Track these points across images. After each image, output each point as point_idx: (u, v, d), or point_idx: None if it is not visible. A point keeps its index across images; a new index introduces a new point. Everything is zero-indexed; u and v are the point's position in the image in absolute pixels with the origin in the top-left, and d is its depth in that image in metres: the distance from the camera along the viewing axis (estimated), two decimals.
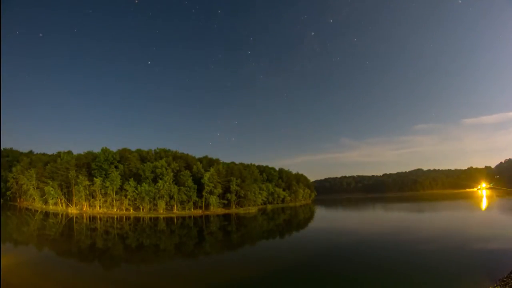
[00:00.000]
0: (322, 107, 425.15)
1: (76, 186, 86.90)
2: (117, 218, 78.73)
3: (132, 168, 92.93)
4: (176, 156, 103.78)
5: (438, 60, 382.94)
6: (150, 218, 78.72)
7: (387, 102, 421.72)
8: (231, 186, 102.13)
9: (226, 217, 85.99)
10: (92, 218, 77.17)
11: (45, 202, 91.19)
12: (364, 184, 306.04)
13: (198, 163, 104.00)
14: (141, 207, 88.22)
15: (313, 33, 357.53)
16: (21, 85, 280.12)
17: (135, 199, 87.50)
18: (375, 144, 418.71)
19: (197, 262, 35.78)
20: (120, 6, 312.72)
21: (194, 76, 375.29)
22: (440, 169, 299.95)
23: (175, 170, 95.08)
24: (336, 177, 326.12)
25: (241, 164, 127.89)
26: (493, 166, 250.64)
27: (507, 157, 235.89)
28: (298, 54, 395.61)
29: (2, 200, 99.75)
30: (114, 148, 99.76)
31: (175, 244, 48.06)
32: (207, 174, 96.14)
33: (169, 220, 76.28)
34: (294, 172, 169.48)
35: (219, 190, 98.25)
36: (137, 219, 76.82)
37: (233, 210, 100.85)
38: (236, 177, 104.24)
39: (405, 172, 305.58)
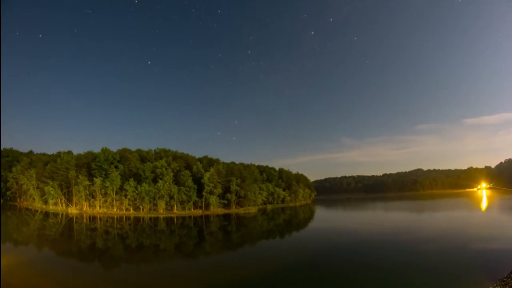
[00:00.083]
0: (322, 107, 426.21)
1: (76, 186, 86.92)
2: (117, 218, 78.73)
3: (132, 168, 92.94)
4: (176, 156, 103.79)
5: (439, 60, 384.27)
6: (150, 218, 78.72)
7: (388, 102, 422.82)
8: (231, 186, 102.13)
9: (226, 217, 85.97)
10: (92, 218, 77.17)
11: (45, 202, 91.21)
12: (364, 184, 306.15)
13: (198, 163, 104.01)
14: (141, 207, 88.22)
15: (313, 32, 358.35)
16: (21, 85, 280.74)
17: (135, 199, 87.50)
18: (375, 143, 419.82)
19: (197, 262, 35.78)
20: (120, 6, 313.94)
21: (194, 75, 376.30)
22: (440, 169, 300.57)
23: (175, 170, 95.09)
24: (336, 177, 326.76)
25: (241, 164, 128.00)
26: (493, 166, 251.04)
27: (507, 157, 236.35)
28: (298, 53, 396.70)
29: (2, 200, 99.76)
30: (114, 148, 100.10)
31: (175, 244, 48.05)
32: (207, 174, 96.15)
33: (169, 220, 76.28)
34: (294, 172, 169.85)
35: (219, 190, 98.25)
36: (137, 219, 76.81)
37: (233, 210, 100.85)
38: (236, 177, 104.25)
39: (405, 172, 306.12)
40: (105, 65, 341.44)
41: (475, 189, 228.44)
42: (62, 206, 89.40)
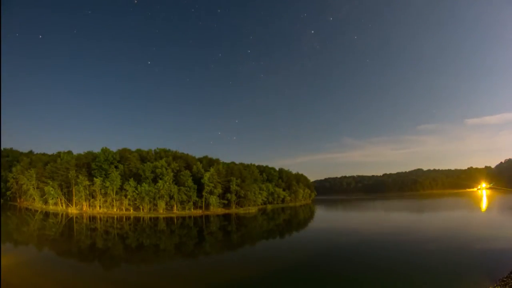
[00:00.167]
0: (322, 106, 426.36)
1: (76, 186, 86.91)
2: (117, 218, 78.72)
3: (132, 168, 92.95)
4: (176, 156, 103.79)
5: (440, 59, 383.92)
6: (150, 218, 78.71)
7: (388, 101, 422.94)
8: (231, 186, 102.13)
9: (226, 217, 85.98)
10: (92, 218, 77.17)
11: (45, 202, 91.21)
12: (364, 184, 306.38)
13: (198, 163, 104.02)
14: (141, 207, 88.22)
15: (313, 31, 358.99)
16: (21, 85, 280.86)
17: (135, 199, 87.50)
18: (377, 143, 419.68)
19: (197, 262, 35.78)
20: (120, 6, 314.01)
21: (194, 75, 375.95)
22: (440, 169, 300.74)
23: (175, 170, 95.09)
24: (336, 177, 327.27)
25: (241, 164, 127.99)
26: (493, 166, 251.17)
27: (507, 157, 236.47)
28: (298, 52, 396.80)
29: (2, 200, 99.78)
30: (114, 148, 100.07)
31: (175, 244, 48.05)
32: (207, 174, 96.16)
33: (169, 220, 76.27)
34: (294, 172, 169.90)
35: (219, 190, 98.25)
36: (137, 219, 76.80)
37: (233, 210, 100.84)
38: (236, 177, 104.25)
39: (405, 172, 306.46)
40: (105, 65, 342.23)
41: (475, 189, 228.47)
42: (62, 206, 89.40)
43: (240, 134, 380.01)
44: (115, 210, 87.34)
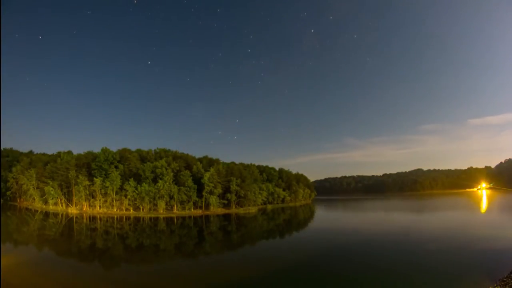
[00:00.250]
0: (322, 106, 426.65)
1: (76, 186, 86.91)
2: (117, 218, 78.72)
3: (132, 168, 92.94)
4: (176, 156, 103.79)
5: (440, 59, 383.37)
6: (150, 218, 78.71)
7: (389, 101, 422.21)
8: (231, 186, 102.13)
9: (226, 217, 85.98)
10: (92, 218, 77.17)
11: (45, 202, 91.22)
12: (364, 184, 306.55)
13: (198, 163, 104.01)
14: (141, 207, 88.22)
15: (313, 31, 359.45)
16: (21, 85, 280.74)
17: (135, 199, 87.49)
18: (377, 143, 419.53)
19: (197, 262, 35.79)
20: (120, 6, 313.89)
21: (194, 75, 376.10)
22: (440, 169, 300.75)
23: (175, 170, 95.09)
24: (336, 177, 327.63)
25: (241, 164, 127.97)
26: (493, 166, 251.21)
27: (507, 157, 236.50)
28: (298, 51, 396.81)
29: (2, 200, 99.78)
30: (114, 148, 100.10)
31: (175, 244, 48.05)
32: (207, 174, 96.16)
33: (169, 220, 76.27)
34: (294, 172, 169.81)
35: (219, 190, 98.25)
36: (137, 219, 76.80)
37: (233, 210, 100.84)
38: (236, 177, 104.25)
39: (405, 172, 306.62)
40: (105, 65, 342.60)
41: (475, 189, 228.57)
42: (62, 206, 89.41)
43: (240, 134, 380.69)
44: (115, 210, 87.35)
